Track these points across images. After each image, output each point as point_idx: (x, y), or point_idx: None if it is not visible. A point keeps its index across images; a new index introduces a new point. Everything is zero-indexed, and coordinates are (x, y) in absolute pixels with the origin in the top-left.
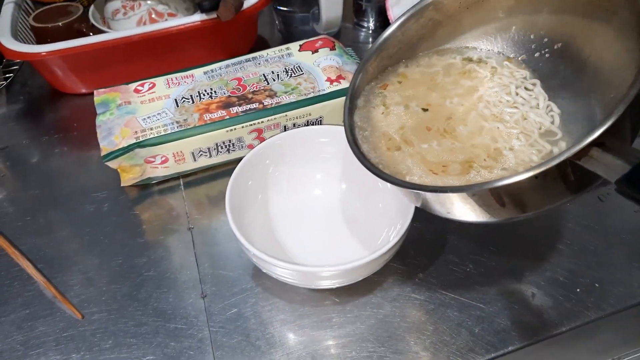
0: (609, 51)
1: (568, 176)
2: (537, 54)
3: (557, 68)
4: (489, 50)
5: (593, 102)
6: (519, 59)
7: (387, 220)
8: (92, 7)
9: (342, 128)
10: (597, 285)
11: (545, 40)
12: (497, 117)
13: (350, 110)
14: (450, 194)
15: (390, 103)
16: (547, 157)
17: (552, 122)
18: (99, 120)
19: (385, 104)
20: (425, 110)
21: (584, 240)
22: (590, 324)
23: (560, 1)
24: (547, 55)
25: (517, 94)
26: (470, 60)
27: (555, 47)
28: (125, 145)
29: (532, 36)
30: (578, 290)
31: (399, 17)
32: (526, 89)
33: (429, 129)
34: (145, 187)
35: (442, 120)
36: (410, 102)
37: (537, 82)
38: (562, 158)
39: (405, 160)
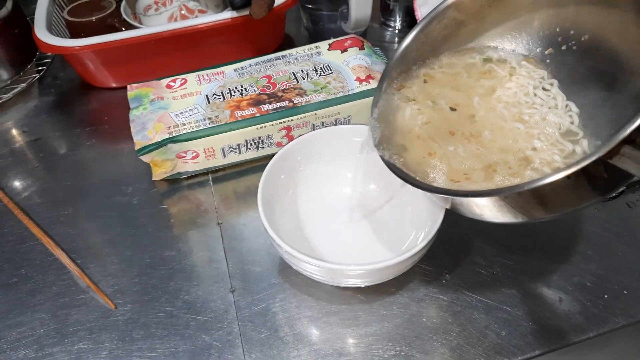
0: (638, 42)
1: (600, 175)
2: (564, 47)
3: (585, 60)
4: (513, 49)
5: (623, 96)
6: (546, 52)
7: (416, 222)
8: (123, 3)
9: None
10: (625, 292)
11: (572, 32)
12: (517, 118)
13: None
14: (481, 198)
15: (416, 103)
16: (569, 157)
17: (572, 122)
18: (133, 114)
19: (409, 103)
20: (453, 109)
21: (612, 246)
22: (603, 335)
23: None
24: (574, 47)
25: (535, 94)
26: (489, 60)
27: (583, 39)
28: (159, 140)
29: (557, 29)
30: (606, 296)
31: (421, 20)
32: (544, 89)
33: (452, 132)
34: (174, 182)
35: (466, 121)
36: (437, 100)
37: (555, 82)
38: (594, 157)
39: (430, 163)
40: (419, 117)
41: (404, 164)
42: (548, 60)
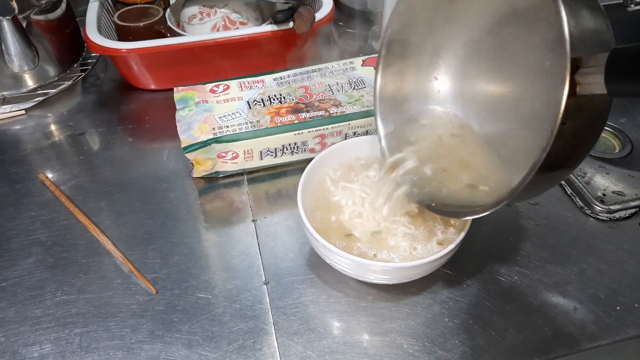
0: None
1: (584, 108)
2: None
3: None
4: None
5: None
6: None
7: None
8: (168, 11)
9: None
10: (636, 305)
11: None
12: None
13: None
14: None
15: None
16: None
17: None
18: (179, 115)
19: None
20: None
21: (625, 262)
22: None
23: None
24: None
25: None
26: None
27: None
28: (204, 139)
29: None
30: (618, 308)
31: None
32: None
33: None
34: (211, 180)
35: None
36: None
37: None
38: (564, 98)
39: None
40: None
41: None
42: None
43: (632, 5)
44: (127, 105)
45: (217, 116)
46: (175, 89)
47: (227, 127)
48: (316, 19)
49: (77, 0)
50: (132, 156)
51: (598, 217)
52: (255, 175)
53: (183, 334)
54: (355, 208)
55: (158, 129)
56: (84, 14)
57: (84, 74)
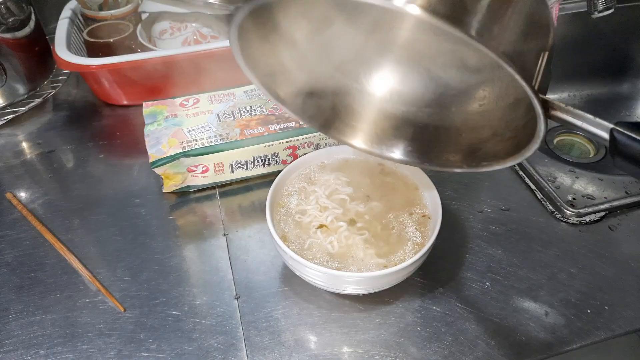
0: None
1: None
2: None
3: None
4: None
5: None
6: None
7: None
8: (139, 26)
9: None
10: (606, 307)
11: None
12: None
13: None
14: None
15: None
16: None
17: None
18: (148, 129)
19: None
20: None
21: (595, 265)
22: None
23: None
24: None
25: None
26: None
27: None
28: (173, 153)
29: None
30: (589, 311)
31: None
32: None
33: None
34: (183, 195)
35: None
36: None
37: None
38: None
39: None
40: None
41: None
42: None
43: (596, 13)
44: (99, 122)
45: (186, 130)
46: (144, 104)
47: (196, 140)
48: None
49: (48, 17)
50: (102, 172)
51: (569, 221)
52: (227, 189)
53: (152, 352)
54: (322, 218)
55: (129, 145)
56: (55, 32)
57: (54, 91)
